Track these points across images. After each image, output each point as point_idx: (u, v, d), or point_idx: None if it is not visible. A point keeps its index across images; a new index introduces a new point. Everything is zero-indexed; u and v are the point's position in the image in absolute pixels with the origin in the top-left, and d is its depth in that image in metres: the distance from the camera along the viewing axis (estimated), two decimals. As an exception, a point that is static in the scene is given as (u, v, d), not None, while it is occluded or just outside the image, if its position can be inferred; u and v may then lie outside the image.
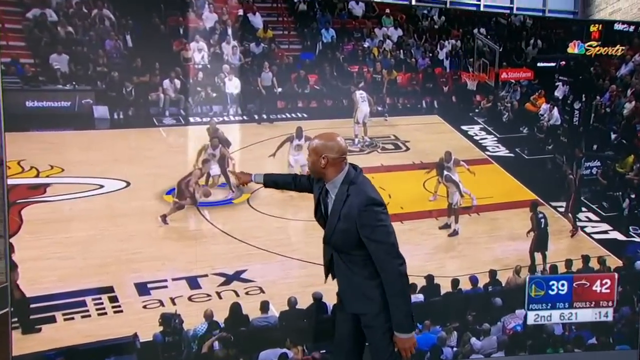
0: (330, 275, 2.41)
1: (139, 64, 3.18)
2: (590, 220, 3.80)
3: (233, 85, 3.41)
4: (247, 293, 3.40)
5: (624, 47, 3.78)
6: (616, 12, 6.92)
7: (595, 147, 3.74)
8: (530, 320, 3.78)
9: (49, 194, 3.08)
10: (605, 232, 3.81)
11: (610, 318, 3.82)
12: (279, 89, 3.41)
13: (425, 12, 3.46)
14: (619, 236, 3.82)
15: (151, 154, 3.30)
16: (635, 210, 3.83)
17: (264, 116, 3.37)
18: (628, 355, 3.85)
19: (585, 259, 3.77)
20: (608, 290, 3.78)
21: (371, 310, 2.15)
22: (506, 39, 3.66)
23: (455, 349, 3.69)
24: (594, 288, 3.77)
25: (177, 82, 3.25)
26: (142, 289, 3.26)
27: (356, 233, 2.05)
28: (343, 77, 3.46)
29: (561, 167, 3.77)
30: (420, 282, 3.66)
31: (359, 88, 3.50)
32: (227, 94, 3.34)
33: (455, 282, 3.73)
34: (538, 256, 3.74)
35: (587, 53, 3.70)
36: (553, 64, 3.71)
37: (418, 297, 3.65)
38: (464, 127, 3.61)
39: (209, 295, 3.35)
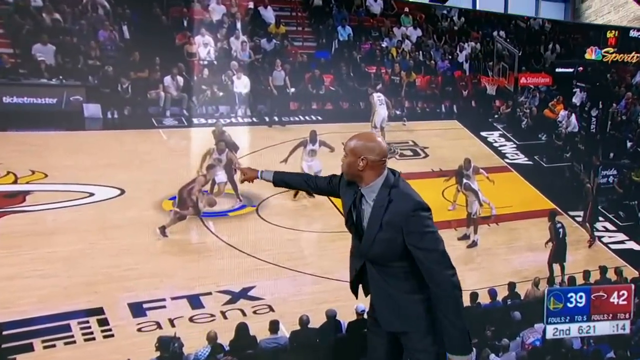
0: (359, 290, 2.00)
1: (137, 58, 2.56)
2: (607, 230, 3.41)
3: (242, 84, 2.85)
4: (255, 312, 2.80)
5: (639, 54, 3.63)
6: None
7: (612, 155, 3.34)
8: (549, 335, 3.44)
9: (29, 202, 2.44)
10: (622, 242, 3.43)
11: (627, 330, 3.38)
12: (292, 89, 2.84)
13: (445, 12, 3.15)
14: (635, 246, 3.45)
15: (149, 158, 2.65)
16: (652, 220, 3.53)
17: (275, 118, 2.74)
18: None
19: (603, 269, 3.37)
20: (625, 302, 3.32)
21: (415, 329, 1.81)
22: (525, 42, 3.29)
23: None
24: (611, 300, 3.31)
25: (180, 79, 2.64)
26: (137, 309, 2.60)
27: (401, 242, 1.71)
28: (360, 78, 2.92)
29: (579, 176, 3.31)
30: (439, 297, 3.35)
31: (376, 90, 3.14)
32: (235, 94, 2.72)
33: (474, 296, 3.27)
34: (556, 267, 3.35)
35: (604, 59, 3.29)
36: (571, 70, 3.23)
37: (435, 312, 3.34)
38: (483, 134, 3.22)
39: (212, 315, 2.74)
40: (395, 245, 1.74)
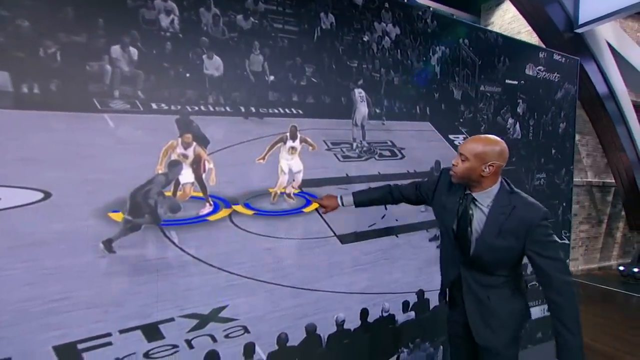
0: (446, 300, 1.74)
1: (70, 15, 1.49)
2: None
3: (213, 66, 1.84)
4: (227, 336, 1.86)
5: (558, 75, 3.41)
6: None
7: (542, 160, 3.04)
8: None
9: None
10: (548, 236, 3.38)
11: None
12: (271, 77, 2.09)
13: (420, 13, 2.55)
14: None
15: (90, 151, 1.56)
16: (565, 216, 3.26)
17: (252, 109, 1.90)
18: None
19: None
20: None
21: (503, 340, 1.51)
22: (483, 53, 2.95)
23: None
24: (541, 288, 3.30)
25: (134, 51, 1.60)
26: (68, 353, 1.53)
27: (520, 250, 1.42)
28: (342, 72, 2.32)
29: (521, 178, 2.92)
30: (412, 298, 2.48)
31: (357, 86, 2.42)
32: (205, 76, 1.78)
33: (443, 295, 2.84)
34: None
35: (537, 76, 3.00)
36: (516, 82, 2.99)
37: (410, 315, 2.43)
38: (451, 136, 2.76)
39: (175, 347, 1.75)
40: (511, 252, 1.44)
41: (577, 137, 7.11)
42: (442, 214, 1.63)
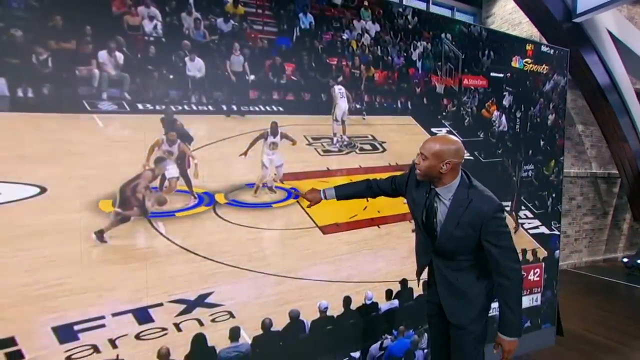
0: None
1: (59, 24, 1.61)
2: (526, 217, 3.11)
3: (195, 67, 1.98)
4: (213, 320, 2.00)
5: (547, 66, 3.43)
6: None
7: (530, 152, 3.06)
8: None
9: None
10: (537, 227, 3.16)
11: (539, 302, 3.19)
12: (252, 77, 2.17)
13: (400, 10, 2.61)
14: (545, 230, 3.20)
15: (81, 149, 1.70)
16: (555, 207, 3.26)
17: (234, 107, 2.00)
18: (550, 332, 3.32)
19: (524, 252, 3.07)
20: (538, 278, 3.16)
21: (470, 317, 1.66)
22: (467, 47, 2.98)
23: (425, 350, 2.65)
24: (528, 277, 3.12)
25: (120, 56, 1.72)
26: (65, 333, 1.68)
27: (476, 239, 1.56)
28: (322, 69, 2.40)
29: (508, 170, 2.97)
30: (396, 287, 2.57)
31: (337, 82, 2.50)
32: (188, 77, 1.89)
33: (425, 284, 2.93)
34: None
35: (525, 68, 3.01)
36: (502, 75, 2.89)
37: (393, 303, 2.52)
38: (434, 129, 2.81)
39: (164, 329, 1.89)
40: (469, 241, 1.57)
41: (580, 128, 7.02)
42: (412, 206, 1.77)
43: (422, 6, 6.57)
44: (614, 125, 6.22)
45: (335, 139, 2.32)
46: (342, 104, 2.30)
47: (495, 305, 1.68)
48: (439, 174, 1.56)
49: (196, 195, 1.97)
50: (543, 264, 3.21)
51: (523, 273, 3.02)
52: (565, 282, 5.82)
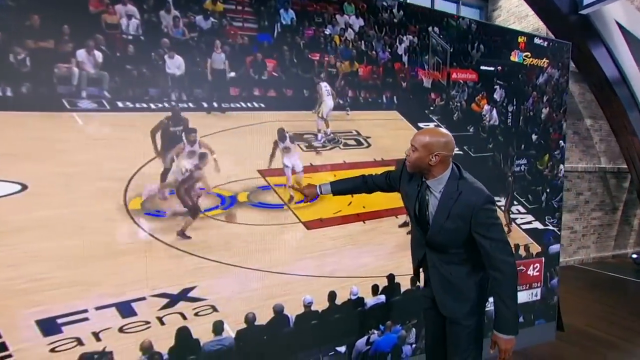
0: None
1: (37, 23, 1.65)
2: (519, 213, 3.07)
3: (175, 65, 1.96)
4: (196, 314, 2.04)
5: (547, 60, 3.05)
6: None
7: (522, 146, 3.01)
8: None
9: None
10: (530, 222, 3.12)
11: (539, 297, 3.16)
12: (232, 74, 2.13)
13: (385, 3, 2.59)
14: (539, 225, 3.15)
15: (62, 147, 1.74)
16: (550, 202, 3.21)
17: (215, 104, 2.05)
18: (550, 327, 3.29)
19: (516, 247, 3.03)
20: (537, 273, 3.14)
21: (463, 312, 1.64)
22: (455, 40, 2.94)
23: (414, 345, 2.67)
24: (528, 272, 3.09)
25: (98, 55, 1.76)
26: (49, 326, 1.74)
27: (467, 231, 1.54)
28: (304, 65, 2.41)
29: (499, 165, 2.93)
30: (383, 282, 2.56)
31: (322, 80, 2.48)
32: (167, 75, 1.92)
33: (414, 280, 2.68)
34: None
35: (525, 62, 2.95)
36: (492, 69, 2.82)
37: (380, 299, 2.53)
38: (421, 124, 2.80)
39: (147, 323, 1.93)
40: (460, 233, 1.55)
41: (588, 122, 6.86)
42: (405, 200, 1.79)
43: (427, 2, 6.47)
44: (623, 119, 6.06)
45: (319, 135, 2.33)
46: (328, 102, 2.31)
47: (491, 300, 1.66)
48: (428, 165, 1.56)
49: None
50: (543, 259, 3.17)
51: (522, 268, 3.00)
52: (571, 277, 5.73)
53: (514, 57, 2.89)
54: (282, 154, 2.20)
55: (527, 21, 6.58)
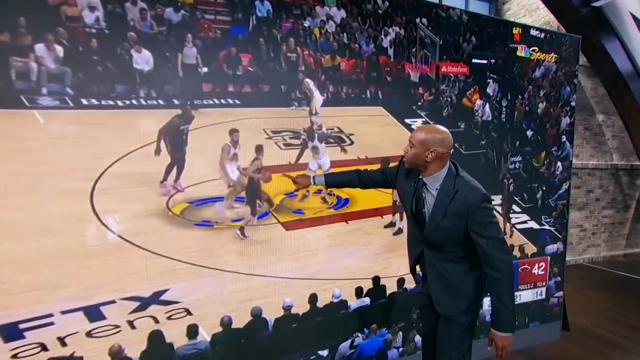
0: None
1: None
2: (514, 212, 2.94)
3: (143, 60, 1.85)
4: (169, 318, 1.97)
5: (556, 55, 2.93)
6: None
7: (517, 143, 2.88)
8: (485, 306, 2.83)
9: None
10: (525, 222, 2.99)
11: (543, 296, 3.08)
12: (205, 69, 2.00)
13: (369, -6, 2.45)
14: (534, 225, 3.02)
15: (24, 145, 1.68)
16: (546, 201, 3.07)
17: (187, 101, 1.92)
18: (555, 326, 3.19)
19: (510, 248, 3.17)
20: (542, 272, 3.06)
21: (458, 310, 1.62)
22: (445, 32, 2.80)
23: (401, 349, 2.57)
24: (533, 271, 3.01)
25: (59, 49, 1.68)
26: (10, 332, 1.69)
27: (464, 230, 1.52)
28: (281, 59, 2.31)
29: (493, 162, 2.80)
30: (368, 285, 2.46)
31: (298, 72, 2.36)
32: (135, 71, 1.84)
33: (400, 282, 2.53)
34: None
35: (531, 57, 2.82)
36: (485, 62, 2.68)
37: (364, 301, 2.44)
38: (408, 120, 2.67)
39: (117, 327, 1.87)
40: (457, 231, 1.54)
41: (601, 117, 6.63)
42: (402, 197, 1.77)
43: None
44: (637, 114, 5.84)
45: (324, 128, 2.26)
46: (319, 96, 2.22)
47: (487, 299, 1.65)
48: (425, 162, 1.56)
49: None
50: (548, 257, 3.06)
51: (527, 267, 2.91)
52: (579, 276, 5.57)
53: (521, 52, 2.76)
54: (310, 154, 2.21)
55: (538, 14, 6.38)
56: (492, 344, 1.56)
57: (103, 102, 1.83)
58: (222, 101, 2.05)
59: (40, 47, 1.68)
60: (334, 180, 2.01)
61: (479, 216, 1.50)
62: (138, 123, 1.89)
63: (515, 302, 2.88)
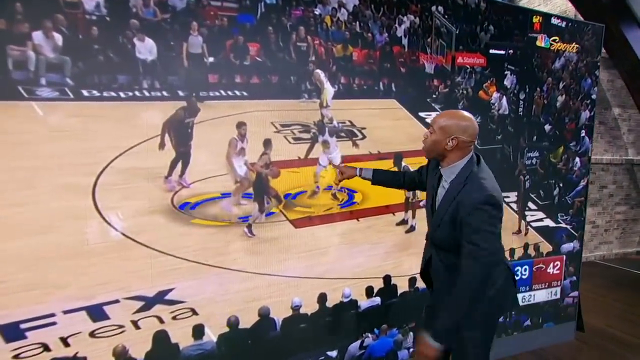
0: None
1: None
2: (529, 209, 2.84)
3: (146, 49, 1.77)
4: (174, 318, 1.92)
5: (578, 45, 2.81)
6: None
7: (535, 137, 2.77)
8: None
9: None
10: (541, 219, 2.89)
11: (558, 295, 3.00)
12: (211, 59, 1.92)
13: (383, -20, 2.34)
14: (551, 223, 2.92)
15: (21, 138, 1.61)
16: (563, 198, 2.96)
17: (192, 93, 1.86)
18: (569, 327, 3.14)
19: (525, 246, 2.84)
20: (558, 271, 2.98)
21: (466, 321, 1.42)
22: (462, 20, 2.68)
23: (412, 349, 2.50)
24: (548, 270, 2.93)
25: (58, 37, 1.60)
26: (11, 332, 1.63)
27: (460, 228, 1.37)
28: (291, 49, 2.21)
29: (509, 157, 2.70)
30: (378, 284, 2.38)
31: (308, 62, 2.28)
32: (138, 60, 1.77)
33: (412, 281, 2.46)
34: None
35: (552, 47, 2.70)
36: (503, 52, 2.57)
37: (375, 301, 2.38)
38: (422, 114, 2.58)
39: (121, 327, 1.82)
40: (454, 230, 1.39)
41: (617, 111, 6.46)
42: (427, 191, 1.64)
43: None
44: (656, 107, 5.67)
45: (335, 122, 2.16)
46: (330, 88, 2.13)
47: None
48: (444, 150, 1.43)
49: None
50: (564, 256, 2.97)
51: (542, 266, 2.83)
52: (592, 274, 5.47)
53: (540, 42, 2.64)
54: (321, 149, 2.12)
55: (553, 3, 6.21)
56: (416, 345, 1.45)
57: (104, 94, 1.75)
58: (229, 93, 1.97)
59: (38, 35, 1.60)
60: (380, 178, 1.86)
61: (472, 218, 1.33)
62: (141, 115, 1.81)
63: (529, 303, 2.85)
